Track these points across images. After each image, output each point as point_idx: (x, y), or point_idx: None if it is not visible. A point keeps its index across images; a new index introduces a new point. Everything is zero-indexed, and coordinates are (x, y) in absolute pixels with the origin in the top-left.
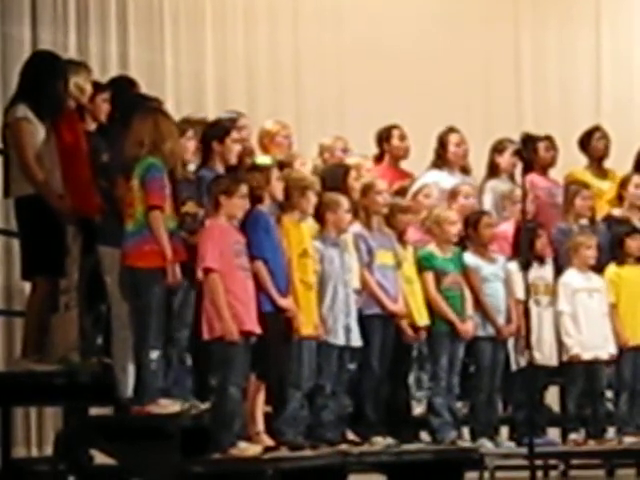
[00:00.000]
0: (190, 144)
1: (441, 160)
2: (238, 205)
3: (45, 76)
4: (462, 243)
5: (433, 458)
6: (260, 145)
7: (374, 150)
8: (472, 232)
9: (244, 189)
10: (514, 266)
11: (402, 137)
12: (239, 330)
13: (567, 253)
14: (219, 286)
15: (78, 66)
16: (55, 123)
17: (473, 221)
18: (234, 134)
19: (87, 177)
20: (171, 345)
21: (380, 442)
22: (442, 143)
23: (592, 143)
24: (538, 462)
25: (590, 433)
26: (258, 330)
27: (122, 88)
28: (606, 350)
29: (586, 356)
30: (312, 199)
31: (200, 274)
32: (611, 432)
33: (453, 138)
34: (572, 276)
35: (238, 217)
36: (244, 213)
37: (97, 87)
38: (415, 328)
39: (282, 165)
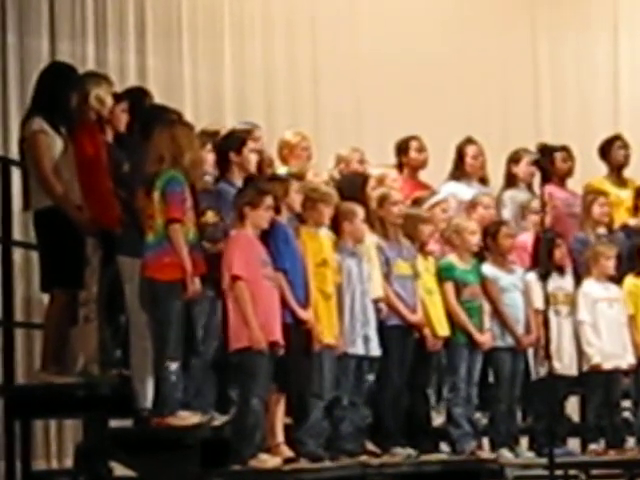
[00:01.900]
0: (209, 156)
1: (459, 171)
2: (263, 216)
3: (60, 88)
4: (480, 254)
5: (453, 469)
6: (279, 156)
7: (392, 160)
8: (491, 242)
9: (269, 200)
10: (533, 276)
11: (419, 149)
12: (266, 340)
13: (586, 263)
14: (246, 294)
15: (99, 78)
16: (74, 135)
17: (492, 231)
18: (251, 144)
19: (107, 189)
20: (195, 356)
21: (400, 453)
22: (460, 154)
23: (612, 152)
24: (558, 472)
25: (610, 443)
26: (282, 341)
27: (139, 98)
28: (625, 360)
29: (607, 366)
30: (324, 211)
31: (226, 285)
32: (631, 442)
33: (470, 150)
34: (591, 286)
35: (263, 228)
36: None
37: (115, 97)
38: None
39: (296, 177)
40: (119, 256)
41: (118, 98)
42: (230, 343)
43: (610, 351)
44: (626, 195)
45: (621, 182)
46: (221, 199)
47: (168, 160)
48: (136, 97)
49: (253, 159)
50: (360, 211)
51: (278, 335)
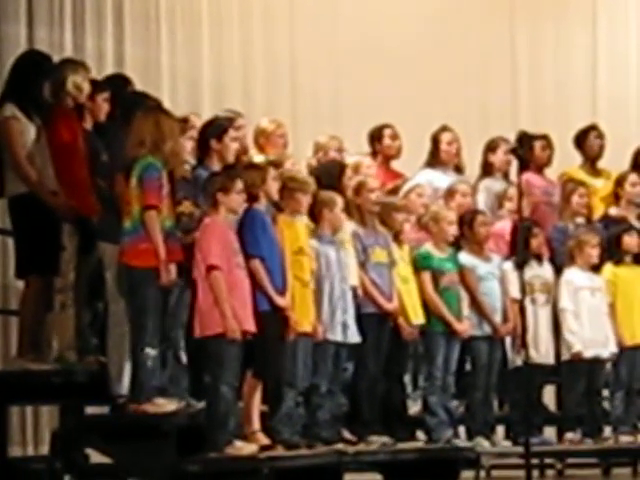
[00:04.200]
0: (188, 143)
1: (434, 159)
2: (236, 200)
3: (33, 76)
4: (457, 243)
5: (429, 457)
6: (256, 144)
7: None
8: (467, 231)
9: (239, 184)
10: (510, 265)
11: (393, 136)
12: (240, 329)
13: (570, 251)
14: (222, 284)
15: (76, 65)
16: (50, 121)
17: (468, 220)
18: (232, 132)
19: (84, 176)
20: (167, 344)
21: (376, 441)
22: (435, 142)
23: (587, 142)
24: (534, 461)
25: (586, 432)
26: (254, 329)
27: (120, 86)
28: (607, 349)
29: (587, 354)
30: (302, 199)
31: (199, 272)
32: (607, 431)
33: (445, 137)
34: (575, 274)
35: (238, 212)
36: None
37: (96, 86)
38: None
39: (274, 165)
40: (100, 242)
41: (100, 87)
42: (198, 329)
43: (591, 340)
44: (600, 185)
45: (595, 172)
46: (198, 185)
47: (149, 145)
48: (117, 85)
49: (233, 147)
50: (340, 200)
51: (249, 324)
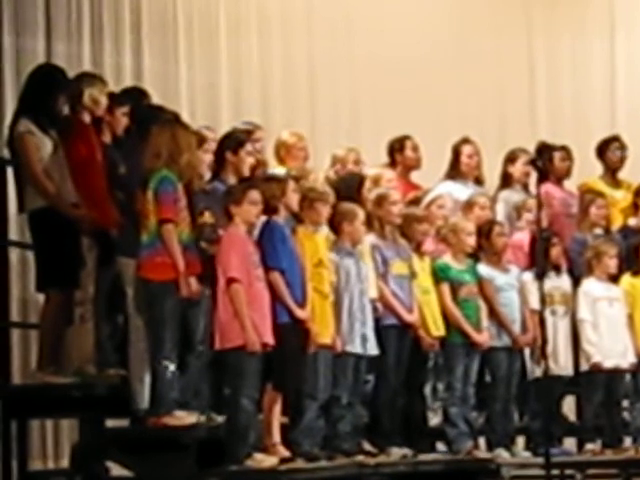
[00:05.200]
0: (207, 156)
1: (455, 171)
2: (249, 211)
3: (47, 90)
4: (475, 255)
5: (449, 468)
6: (276, 156)
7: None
8: (485, 242)
9: (253, 194)
10: (529, 276)
11: (415, 148)
12: (259, 341)
13: (588, 262)
14: (242, 296)
15: (93, 78)
16: (67, 136)
17: (485, 231)
18: (248, 146)
19: (103, 189)
20: (194, 357)
21: (396, 453)
22: (455, 154)
23: (608, 153)
24: (554, 472)
25: (606, 443)
26: (272, 342)
27: (137, 100)
28: (626, 359)
29: (607, 365)
30: (322, 210)
31: (221, 284)
32: (627, 442)
33: (466, 149)
34: (593, 285)
35: (253, 222)
36: (260, 224)
37: (115, 99)
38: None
39: (294, 179)
40: (120, 258)
41: (119, 101)
42: (219, 341)
43: (610, 350)
44: (620, 196)
45: (615, 183)
46: (215, 198)
47: (165, 157)
48: (135, 98)
49: (248, 162)
50: (361, 213)
51: (268, 336)
